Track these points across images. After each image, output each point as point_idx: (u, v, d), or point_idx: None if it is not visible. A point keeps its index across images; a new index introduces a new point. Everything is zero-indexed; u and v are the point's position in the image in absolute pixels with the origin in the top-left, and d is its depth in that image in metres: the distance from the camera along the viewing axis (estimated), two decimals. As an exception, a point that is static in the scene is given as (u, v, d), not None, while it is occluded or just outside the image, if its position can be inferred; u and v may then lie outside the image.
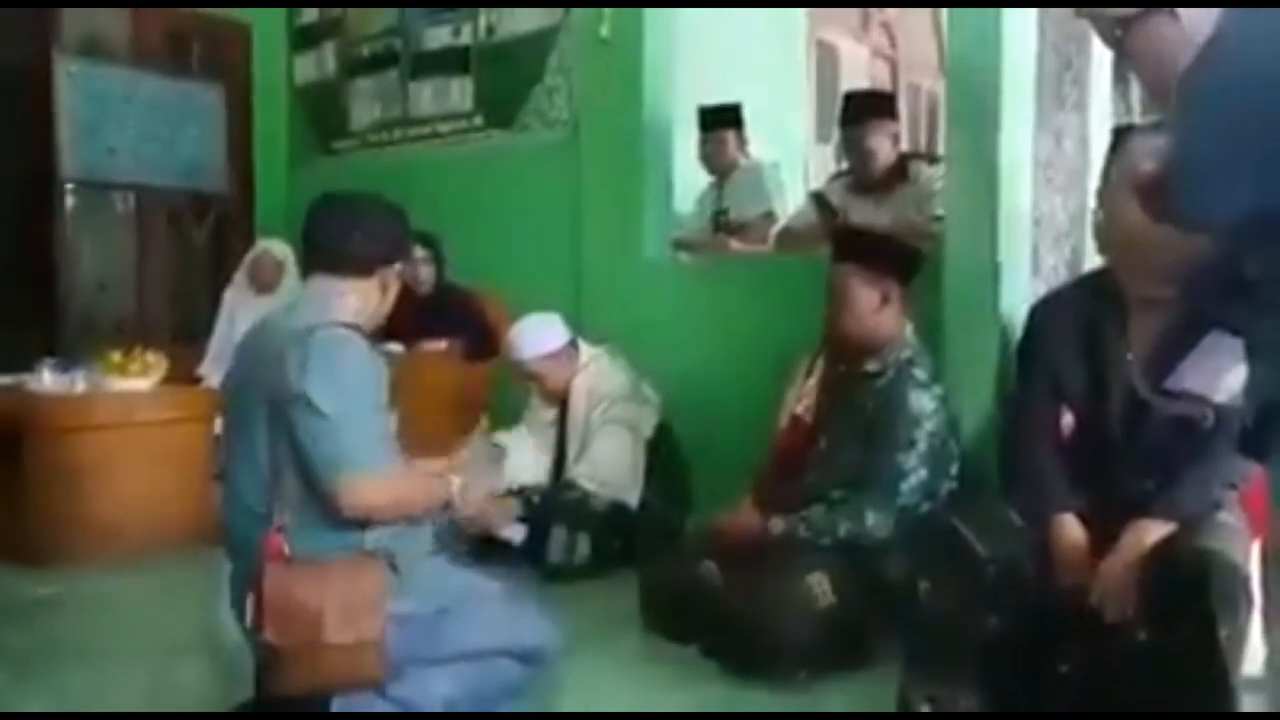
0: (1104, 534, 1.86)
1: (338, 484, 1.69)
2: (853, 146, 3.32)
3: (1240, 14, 0.71)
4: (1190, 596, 1.63)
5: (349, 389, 1.71)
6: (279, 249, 4.16)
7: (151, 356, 3.36)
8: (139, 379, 3.32)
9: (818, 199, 3.52)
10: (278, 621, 1.65)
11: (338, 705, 1.75)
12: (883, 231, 2.47)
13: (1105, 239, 0.89)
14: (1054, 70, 2.55)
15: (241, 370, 1.87)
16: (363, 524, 1.76)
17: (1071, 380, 2.01)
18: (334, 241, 1.87)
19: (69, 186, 4.85)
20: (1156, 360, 0.79)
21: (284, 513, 1.72)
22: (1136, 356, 0.82)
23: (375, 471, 1.72)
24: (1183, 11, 1.41)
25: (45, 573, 2.95)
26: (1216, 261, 0.75)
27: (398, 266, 1.95)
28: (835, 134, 4.50)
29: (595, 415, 3.07)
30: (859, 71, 6.37)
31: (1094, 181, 2.37)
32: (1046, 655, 1.88)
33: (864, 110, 3.32)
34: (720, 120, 3.82)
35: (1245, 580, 1.66)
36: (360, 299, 1.87)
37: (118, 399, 3.25)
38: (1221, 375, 0.79)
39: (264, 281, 4.12)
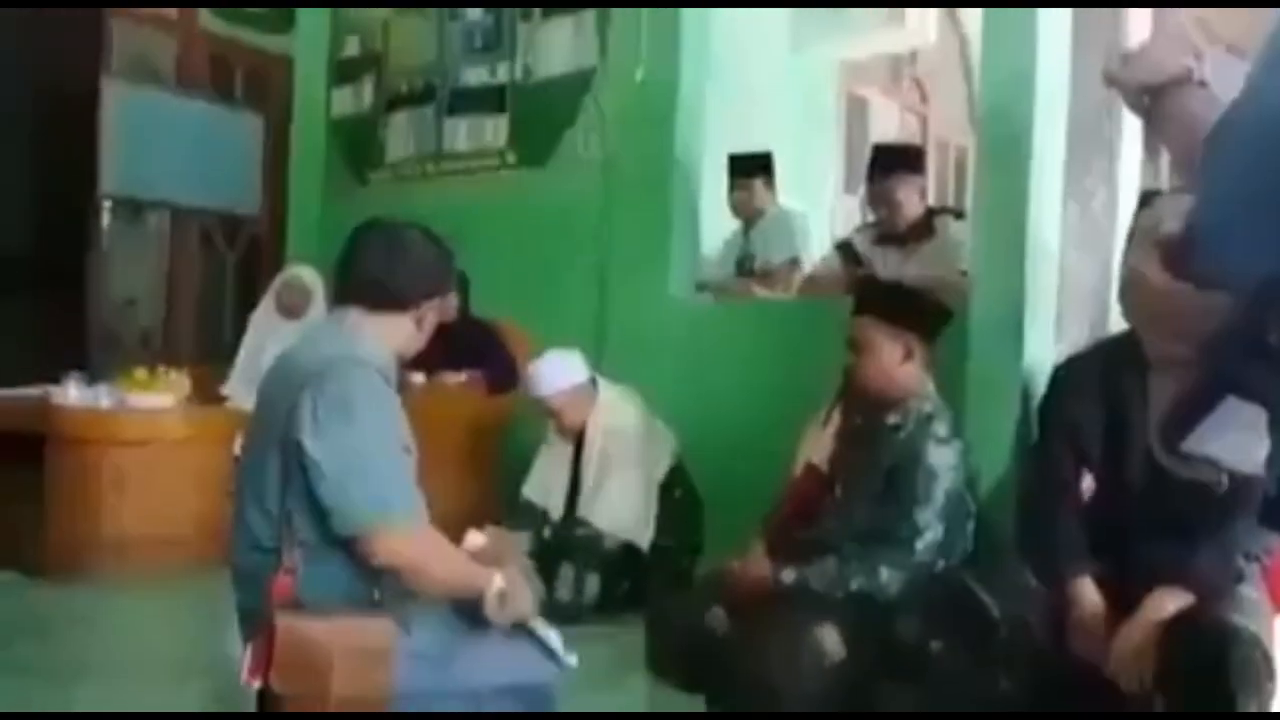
0: (1121, 599, 1.83)
1: (372, 537, 1.60)
2: (880, 198, 3.34)
3: (1265, 77, 0.71)
4: (1210, 670, 1.60)
5: (365, 439, 1.64)
6: (308, 275, 4.21)
7: (175, 375, 3.41)
8: (162, 396, 3.35)
9: (844, 248, 3.53)
10: (284, 671, 1.60)
11: None
12: (908, 285, 2.47)
13: (1128, 298, 0.90)
14: (1084, 135, 2.56)
15: (260, 405, 1.80)
16: (377, 574, 1.68)
17: (1092, 443, 1.99)
18: (375, 272, 1.77)
19: (106, 203, 4.95)
20: (1173, 422, 0.79)
21: (293, 555, 1.66)
22: (1154, 420, 0.82)
23: (408, 519, 1.65)
24: (1212, 81, 1.42)
25: (61, 586, 2.96)
26: (1237, 324, 0.75)
27: (437, 301, 1.85)
28: (863, 186, 4.54)
29: (610, 454, 3.07)
30: (889, 125, 6.41)
31: (1120, 246, 2.37)
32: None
33: (893, 163, 3.35)
34: (750, 168, 3.85)
35: (1268, 657, 1.63)
36: (393, 333, 1.80)
37: (141, 415, 3.29)
38: (1239, 442, 0.78)
39: (291, 307, 4.16)
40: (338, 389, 1.63)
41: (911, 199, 3.29)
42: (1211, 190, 0.73)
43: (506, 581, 1.70)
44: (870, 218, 3.64)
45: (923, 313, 2.37)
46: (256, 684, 1.63)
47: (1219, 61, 1.38)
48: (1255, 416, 0.80)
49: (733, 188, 3.90)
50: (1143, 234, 0.81)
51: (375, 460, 1.63)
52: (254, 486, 1.72)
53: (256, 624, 1.68)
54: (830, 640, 2.09)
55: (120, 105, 4.90)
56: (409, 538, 1.64)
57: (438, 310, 1.86)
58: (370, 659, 1.62)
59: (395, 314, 1.80)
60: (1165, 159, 2.70)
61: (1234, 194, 0.69)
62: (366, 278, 1.78)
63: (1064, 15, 2.52)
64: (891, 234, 3.34)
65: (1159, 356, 0.84)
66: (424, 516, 1.70)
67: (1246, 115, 0.68)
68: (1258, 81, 0.69)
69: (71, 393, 3.30)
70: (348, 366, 1.67)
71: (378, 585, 1.69)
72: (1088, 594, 1.88)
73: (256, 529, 1.72)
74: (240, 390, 4.00)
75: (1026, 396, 2.42)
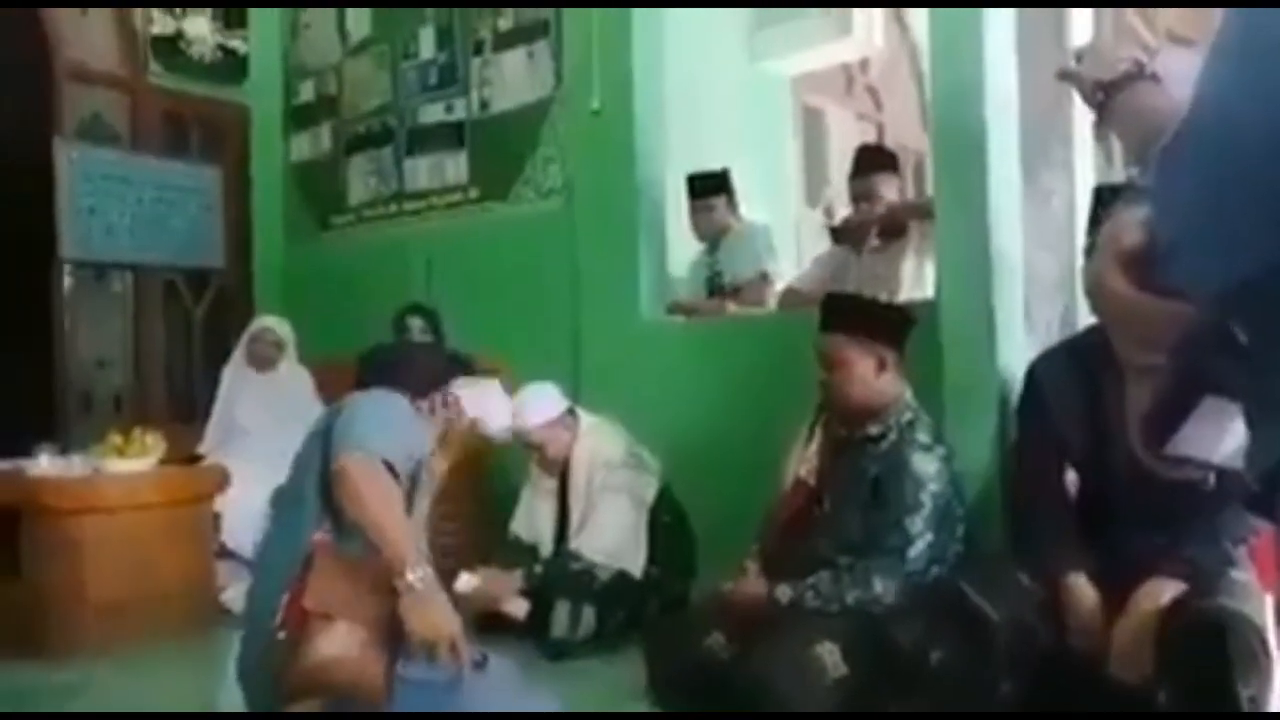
0: (1115, 592, 1.84)
1: (336, 454, 1.79)
2: (863, 194, 3.43)
3: (1214, 87, 0.73)
4: (1210, 657, 1.61)
5: (386, 408, 1.92)
6: (279, 326, 4.18)
7: (150, 437, 3.35)
8: (138, 460, 3.30)
9: (826, 259, 3.60)
10: (319, 592, 1.73)
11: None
12: (870, 297, 2.48)
13: (1096, 309, 0.91)
14: (1038, 133, 2.59)
15: (301, 449, 1.99)
16: None
17: (1073, 438, 2.01)
18: (389, 370, 2.13)
19: (67, 267, 4.89)
20: (1153, 427, 0.80)
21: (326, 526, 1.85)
22: (1134, 423, 0.83)
23: (369, 455, 1.78)
24: (1166, 77, 1.44)
25: (51, 662, 2.90)
26: (1206, 326, 0.76)
27: (444, 395, 2.18)
28: (824, 195, 4.52)
29: (595, 484, 3.06)
30: (846, 134, 6.47)
31: (1081, 241, 2.40)
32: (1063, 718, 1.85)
33: (873, 163, 3.51)
34: (708, 187, 3.87)
35: (1264, 639, 1.65)
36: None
37: (118, 481, 3.23)
38: (1221, 439, 0.79)
39: (263, 359, 4.13)
40: (366, 397, 1.96)
41: (890, 195, 3.43)
42: (1168, 203, 0.74)
43: (422, 586, 1.72)
44: (833, 221, 3.72)
45: (890, 323, 2.39)
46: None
47: (1167, 54, 1.41)
48: (1233, 412, 0.81)
49: (693, 209, 3.91)
50: (1103, 246, 0.82)
51: (376, 412, 1.89)
52: (289, 516, 1.91)
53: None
54: (831, 656, 2.09)
55: (75, 167, 4.85)
56: (359, 465, 1.76)
57: (444, 404, 2.18)
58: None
59: (413, 399, 2.09)
60: (1118, 149, 2.75)
61: (1191, 206, 0.70)
62: (383, 374, 2.12)
63: (1008, 16, 2.55)
64: (866, 231, 3.41)
65: (1132, 364, 0.85)
66: (389, 474, 1.82)
67: (1198, 127, 0.69)
68: (1206, 92, 0.70)
69: (44, 464, 3.25)
70: (379, 389, 2.01)
71: None
72: (1083, 590, 1.89)
73: (283, 560, 1.84)
74: (216, 446, 3.96)
75: (1003, 396, 2.44)
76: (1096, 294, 0.88)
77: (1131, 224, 0.81)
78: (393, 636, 1.73)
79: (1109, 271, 0.80)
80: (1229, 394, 0.76)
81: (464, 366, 3.71)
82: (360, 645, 1.72)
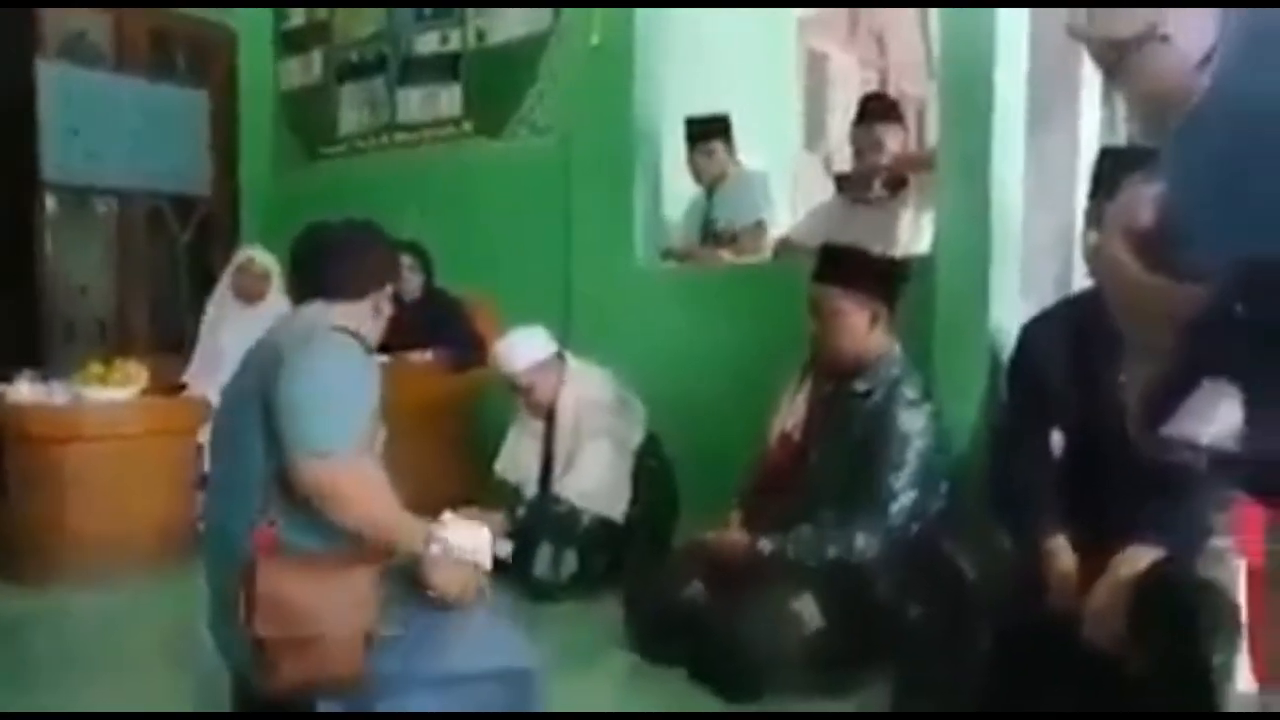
0: (1095, 556, 1.85)
1: (299, 458, 1.63)
2: (866, 141, 3.36)
3: (1235, 65, 0.70)
4: (1183, 625, 1.62)
5: (332, 376, 1.70)
6: (264, 258, 4.11)
7: (133, 367, 3.31)
8: (120, 389, 3.27)
9: (823, 211, 3.54)
10: (268, 614, 1.63)
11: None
12: (868, 250, 2.45)
13: (1103, 286, 0.88)
14: (1044, 89, 2.54)
15: (239, 377, 1.85)
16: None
17: (1062, 402, 2.00)
18: (323, 270, 1.88)
19: (50, 190, 4.79)
20: (1153, 408, 0.78)
21: (275, 509, 1.69)
22: (1132, 403, 0.81)
23: (341, 455, 1.66)
24: (1177, 38, 1.40)
25: (25, 589, 2.91)
26: (1215, 310, 0.74)
27: (389, 289, 1.95)
28: (824, 143, 4.45)
29: (582, 428, 3.05)
30: (848, 79, 6.37)
31: (1082, 200, 2.37)
32: (1036, 679, 1.87)
33: (879, 113, 3.42)
34: (707, 131, 3.80)
35: (1234, 606, 1.66)
36: (355, 320, 1.86)
37: (99, 411, 3.20)
38: (1215, 419, 0.78)
39: (250, 292, 4.07)
40: (323, 341, 1.74)
41: (894, 145, 3.36)
42: (1183, 183, 0.71)
43: (441, 551, 1.70)
44: (834, 169, 3.65)
45: (886, 277, 2.36)
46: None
47: (1180, 13, 1.36)
48: (1230, 394, 0.79)
49: (692, 152, 3.84)
50: (1113, 222, 0.79)
51: (334, 397, 1.69)
52: (236, 452, 1.76)
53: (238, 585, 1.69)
54: (809, 609, 2.11)
55: (57, 88, 4.72)
56: (334, 468, 1.65)
57: (390, 296, 1.96)
58: (352, 600, 1.66)
59: (352, 303, 1.89)
60: (1121, 112, 2.70)
61: (1207, 187, 0.68)
62: (316, 278, 1.89)
63: (1021, -33, 2.48)
64: (870, 180, 3.36)
65: (1135, 343, 0.83)
66: (362, 461, 1.71)
67: (1216, 108, 0.67)
68: (1225, 75, 0.67)
69: (24, 390, 3.21)
70: (326, 330, 1.77)
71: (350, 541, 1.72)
72: (1061, 553, 1.89)
73: (236, 500, 1.74)
74: (200, 378, 3.92)
75: (994, 356, 2.42)
76: (1104, 273, 0.86)
77: (1143, 202, 0.78)
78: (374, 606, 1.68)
79: (1119, 250, 0.78)
80: (1233, 377, 0.74)
81: (410, 246, 3.63)
82: (331, 654, 1.64)
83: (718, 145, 3.81)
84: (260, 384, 1.74)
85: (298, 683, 1.68)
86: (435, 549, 1.70)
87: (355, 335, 1.81)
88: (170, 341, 4.72)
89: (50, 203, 4.82)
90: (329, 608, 1.65)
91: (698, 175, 3.87)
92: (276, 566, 1.66)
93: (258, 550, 1.67)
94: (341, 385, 1.71)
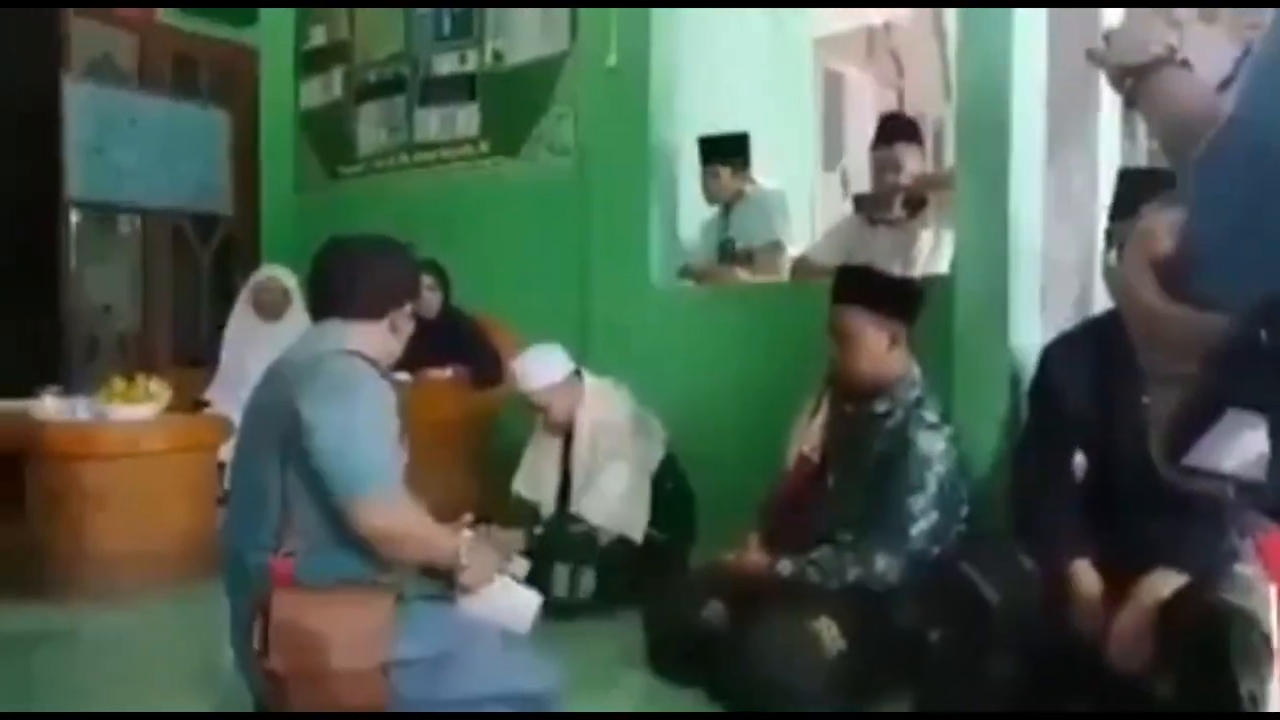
0: (1119, 580, 1.83)
1: (353, 504, 1.69)
2: (886, 163, 3.34)
3: (1259, 91, 0.70)
4: (1209, 651, 1.60)
5: (358, 413, 1.73)
6: (284, 276, 4.15)
7: (155, 384, 3.34)
8: (142, 406, 3.29)
9: (841, 231, 3.53)
10: (284, 647, 1.65)
11: None
12: (887, 271, 2.44)
13: (1124, 314, 0.88)
14: (1063, 106, 2.53)
15: (255, 401, 1.87)
16: (373, 556, 1.75)
17: (1084, 424, 1.98)
18: (342, 288, 1.87)
19: (74, 208, 4.86)
20: (1175, 440, 0.78)
21: (293, 542, 1.72)
22: (1154, 434, 0.80)
23: (388, 493, 1.72)
24: (1196, 62, 1.39)
25: (46, 605, 2.92)
26: (1238, 340, 0.73)
27: (408, 308, 1.95)
28: (841, 162, 4.45)
29: (600, 448, 3.04)
30: (866, 99, 6.37)
31: (1102, 220, 2.36)
32: (1059, 704, 1.85)
33: (897, 132, 3.40)
34: (720, 151, 3.80)
35: (1266, 636, 1.63)
36: (370, 340, 1.86)
37: (121, 428, 3.23)
38: (1240, 451, 0.77)
39: (269, 308, 4.11)
40: (336, 370, 1.75)
41: (912, 166, 3.34)
42: (1206, 211, 0.71)
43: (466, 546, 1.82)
44: (851, 190, 3.64)
45: (904, 298, 2.36)
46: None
47: (1198, 37, 1.36)
48: (1254, 424, 0.78)
49: (705, 173, 3.85)
50: (1134, 249, 0.79)
51: (365, 434, 1.72)
52: (252, 478, 1.78)
53: (253, 615, 1.71)
54: (829, 632, 2.09)
55: (83, 107, 4.80)
56: (387, 510, 1.71)
57: (409, 314, 1.96)
58: (368, 633, 1.68)
59: (371, 322, 1.89)
60: (1142, 131, 2.69)
61: (1230, 215, 0.68)
62: (337, 295, 1.88)
63: (1039, -11, 2.48)
64: (889, 201, 3.34)
65: (1157, 373, 0.82)
66: (401, 490, 1.78)
67: (1239, 136, 0.67)
68: (1249, 100, 0.67)
69: (48, 407, 3.25)
70: (343, 355, 1.78)
71: (376, 567, 1.77)
72: (1085, 577, 1.87)
73: (253, 526, 1.76)
74: (222, 394, 3.95)
75: (1015, 377, 2.41)
76: (1125, 302, 0.85)
77: (1164, 229, 0.78)
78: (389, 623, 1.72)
79: (1139, 279, 0.78)
80: (1258, 407, 0.73)
81: (429, 265, 3.66)
82: (348, 686, 1.67)
83: (730, 166, 3.81)
84: (276, 407, 1.76)
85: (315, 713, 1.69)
86: (465, 556, 1.81)
87: (367, 359, 1.81)
88: (192, 358, 4.76)
89: (74, 220, 4.89)
90: (346, 639, 1.66)
91: (709, 196, 3.88)
92: (293, 597, 1.67)
93: (274, 581, 1.69)
94: (372, 421, 1.75)
